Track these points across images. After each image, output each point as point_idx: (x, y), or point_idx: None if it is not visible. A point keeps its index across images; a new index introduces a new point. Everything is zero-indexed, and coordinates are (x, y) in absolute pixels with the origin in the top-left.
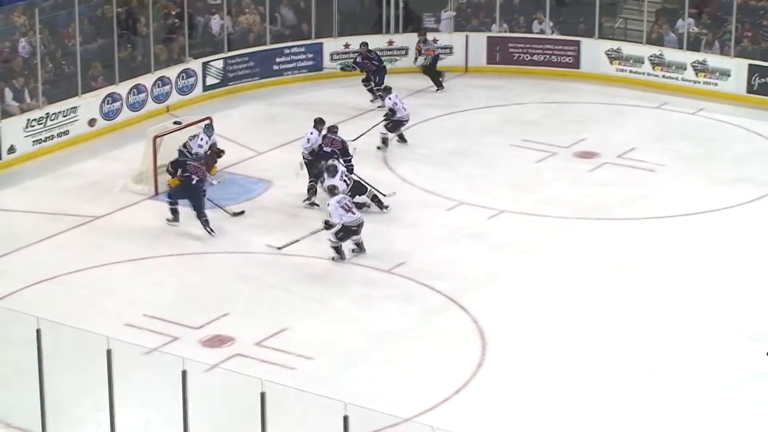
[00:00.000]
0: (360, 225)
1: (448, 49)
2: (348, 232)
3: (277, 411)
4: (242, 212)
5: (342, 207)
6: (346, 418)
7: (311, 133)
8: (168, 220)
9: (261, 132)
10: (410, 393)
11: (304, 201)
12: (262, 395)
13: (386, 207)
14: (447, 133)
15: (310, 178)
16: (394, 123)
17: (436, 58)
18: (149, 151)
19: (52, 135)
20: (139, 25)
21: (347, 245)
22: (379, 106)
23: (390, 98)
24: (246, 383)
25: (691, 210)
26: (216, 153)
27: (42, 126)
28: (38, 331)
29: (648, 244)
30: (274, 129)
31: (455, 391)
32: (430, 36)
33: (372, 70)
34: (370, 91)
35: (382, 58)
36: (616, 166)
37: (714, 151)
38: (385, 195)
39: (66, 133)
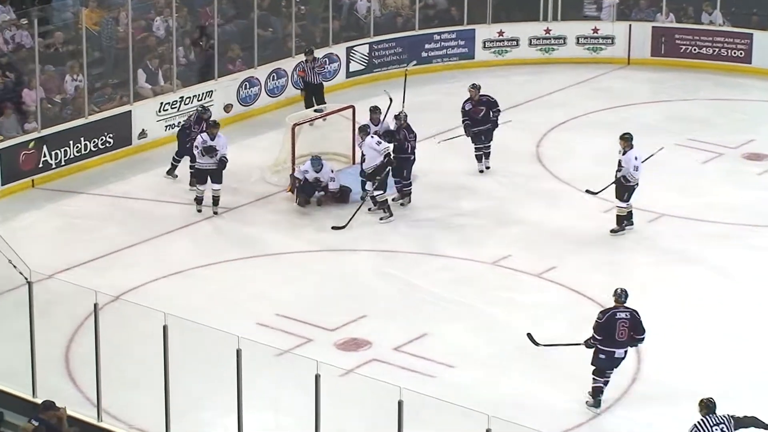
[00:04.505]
0: None
1: (609, 39)
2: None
3: (415, 421)
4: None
5: None
6: None
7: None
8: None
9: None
10: (559, 407)
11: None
12: (400, 404)
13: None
14: (607, 129)
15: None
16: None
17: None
18: (288, 140)
19: None
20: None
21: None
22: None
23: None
24: (383, 390)
25: None
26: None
27: (175, 110)
28: (165, 328)
29: None
30: (421, 119)
31: (607, 407)
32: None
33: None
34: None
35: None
36: None
37: None
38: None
39: None
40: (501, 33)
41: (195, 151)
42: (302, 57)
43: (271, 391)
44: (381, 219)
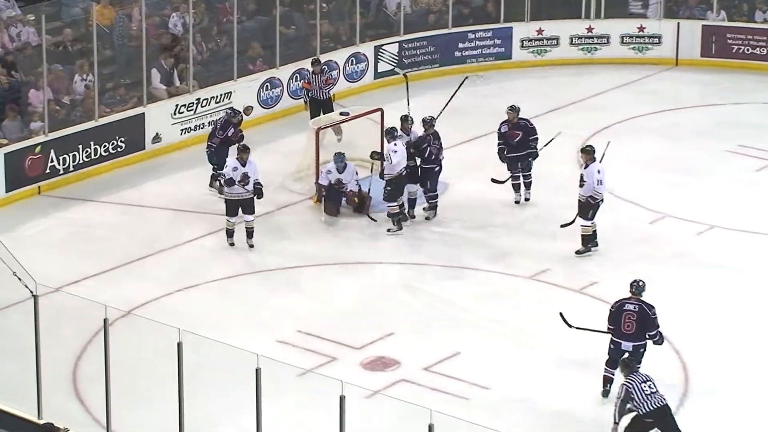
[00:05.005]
0: None
1: (656, 39)
2: None
3: None
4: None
5: None
6: None
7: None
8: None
9: (441, 127)
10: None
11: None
12: (431, 428)
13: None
14: (653, 134)
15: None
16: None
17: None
18: (311, 144)
19: (203, 123)
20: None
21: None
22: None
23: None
24: (412, 413)
25: None
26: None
27: (192, 113)
28: (179, 345)
29: None
30: (455, 124)
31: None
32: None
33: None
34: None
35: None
36: None
37: None
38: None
39: None
40: (540, 31)
41: (221, 179)
42: (325, 58)
43: (293, 413)
44: (388, 231)
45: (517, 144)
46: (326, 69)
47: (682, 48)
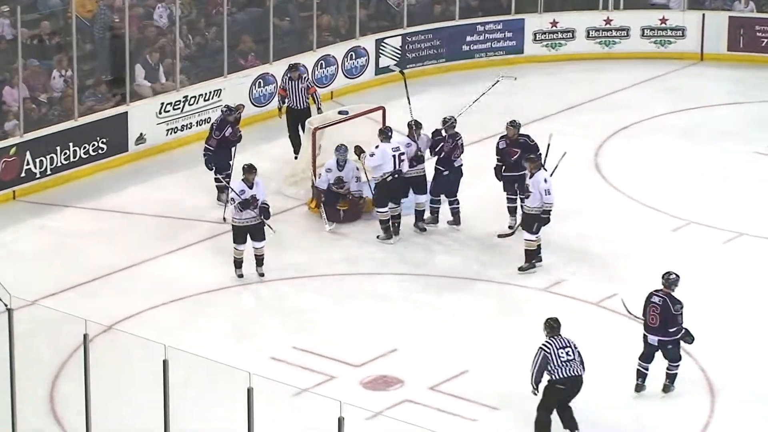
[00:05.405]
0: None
1: (680, 31)
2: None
3: None
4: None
5: None
6: None
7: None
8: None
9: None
10: None
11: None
12: None
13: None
14: (676, 134)
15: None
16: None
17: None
18: (308, 146)
19: (191, 123)
20: None
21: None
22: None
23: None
24: None
25: None
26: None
27: (178, 112)
28: (165, 362)
29: None
30: (460, 123)
31: None
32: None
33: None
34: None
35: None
36: None
37: None
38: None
39: (207, 120)
40: (554, 23)
41: (231, 204)
42: (323, 53)
43: None
44: (378, 237)
45: (515, 162)
46: (304, 77)
47: (708, 41)
